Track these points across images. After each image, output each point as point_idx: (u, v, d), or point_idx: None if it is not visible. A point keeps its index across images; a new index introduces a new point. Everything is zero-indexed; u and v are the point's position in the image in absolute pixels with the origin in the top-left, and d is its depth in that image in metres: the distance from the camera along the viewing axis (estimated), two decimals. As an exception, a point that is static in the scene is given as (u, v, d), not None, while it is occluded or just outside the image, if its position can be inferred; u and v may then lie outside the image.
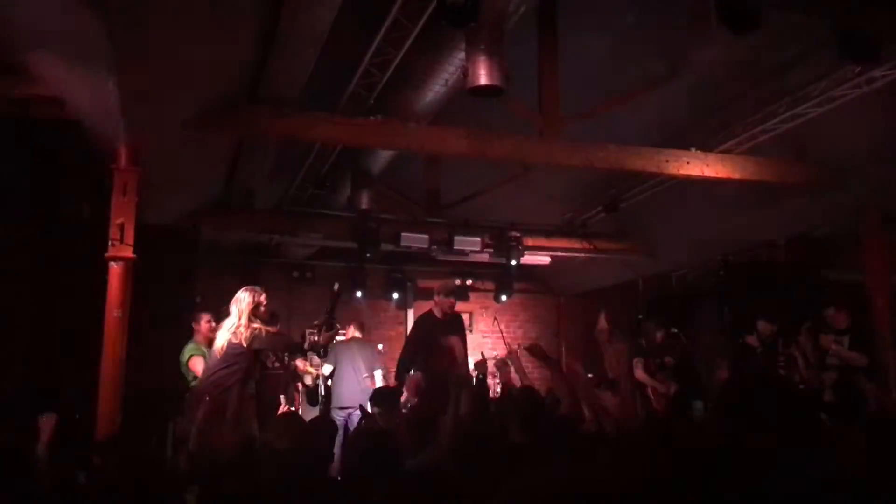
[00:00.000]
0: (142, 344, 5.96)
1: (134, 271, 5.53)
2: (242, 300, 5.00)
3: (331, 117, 6.12)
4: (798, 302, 8.02)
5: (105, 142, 5.76)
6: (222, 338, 4.95)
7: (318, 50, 5.10)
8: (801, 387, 6.83)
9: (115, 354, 5.30)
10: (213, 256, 9.62)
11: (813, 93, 6.06)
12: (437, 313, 7.22)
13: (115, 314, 5.33)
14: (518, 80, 5.44)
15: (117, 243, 5.42)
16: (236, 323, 4.94)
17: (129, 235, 5.46)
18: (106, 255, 5.43)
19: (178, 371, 6.32)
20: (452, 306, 7.32)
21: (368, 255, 9.27)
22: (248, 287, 5.14)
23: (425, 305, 11.69)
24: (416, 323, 7.35)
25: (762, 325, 7.69)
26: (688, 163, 6.75)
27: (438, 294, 7.27)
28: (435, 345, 6.73)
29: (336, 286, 5.80)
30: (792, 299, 8.22)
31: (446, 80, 5.86)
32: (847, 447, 2.60)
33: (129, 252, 5.45)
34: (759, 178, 6.96)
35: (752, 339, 7.76)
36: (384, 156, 7.64)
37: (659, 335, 8.26)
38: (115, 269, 5.42)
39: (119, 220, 5.45)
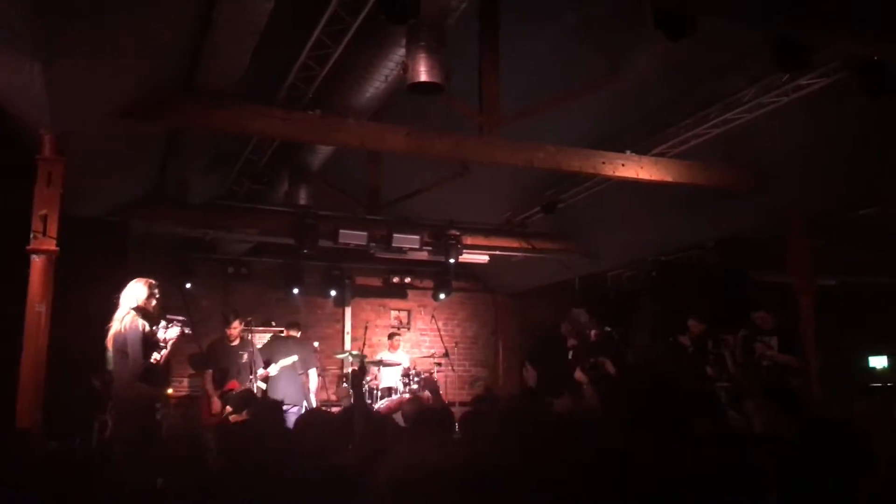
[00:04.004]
0: (65, 341, 5.72)
1: (58, 265, 5.31)
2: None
3: (268, 111, 6.01)
4: (727, 302, 8.26)
5: (29, 129, 5.51)
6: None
7: (256, 40, 4.99)
8: (728, 384, 7.03)
9: (36, 350, 5.08)
10: (145, 251, 9.33)
11: (743, 99, 6.24)
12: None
13: (37, 309, 5.11)
14: (459, 79, 5.43)
15: (40, 236, 5.18)
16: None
17: (53, 228, 5.23)
18: (28, 247, 5.20)
19: (102, 370, 6.11)
20: None
21: (306, 251, 9.16)
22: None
23: (363, 303, 11.68)
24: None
25: (692, 324, 7.90)
26: (623, 165, 6.90)
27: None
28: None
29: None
30: (721, 300, 8.46)
31: (386, 77, 5.82)
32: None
33: (52, 245, 5.22)
34: (690, 181, 7.16)
35: (684, 339, 7.96)
36: (324, 151, 7.54)
37: (593, 334, 8.39)
38: (36, 262, 5.19)
39: (42, 212, 5.21)
